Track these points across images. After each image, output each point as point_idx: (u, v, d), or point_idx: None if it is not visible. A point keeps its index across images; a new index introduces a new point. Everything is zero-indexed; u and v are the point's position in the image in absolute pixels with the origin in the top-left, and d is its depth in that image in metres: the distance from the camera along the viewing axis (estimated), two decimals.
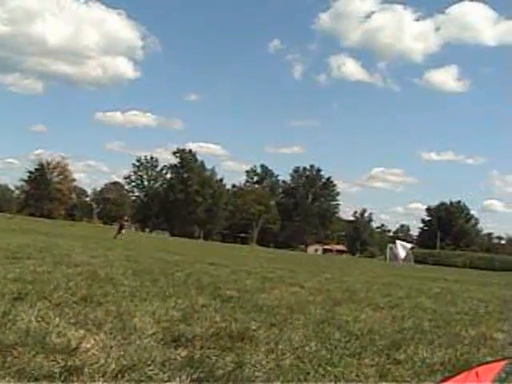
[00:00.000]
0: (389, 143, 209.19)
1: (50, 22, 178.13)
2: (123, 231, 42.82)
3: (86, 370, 4.16)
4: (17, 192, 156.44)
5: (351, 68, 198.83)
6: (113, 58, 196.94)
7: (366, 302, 10.33)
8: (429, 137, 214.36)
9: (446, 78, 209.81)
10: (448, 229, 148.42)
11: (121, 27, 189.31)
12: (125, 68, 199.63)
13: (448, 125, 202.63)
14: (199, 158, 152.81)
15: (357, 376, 4.77)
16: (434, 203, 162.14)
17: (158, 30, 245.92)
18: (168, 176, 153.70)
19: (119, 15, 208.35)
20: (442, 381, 3.59)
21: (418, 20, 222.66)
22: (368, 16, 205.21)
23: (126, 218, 47.03)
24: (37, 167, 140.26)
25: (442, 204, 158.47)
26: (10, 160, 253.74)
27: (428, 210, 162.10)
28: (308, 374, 4.68)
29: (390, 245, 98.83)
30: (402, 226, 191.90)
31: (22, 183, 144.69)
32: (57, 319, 5.63)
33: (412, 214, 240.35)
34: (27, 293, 7.03)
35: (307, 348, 5.54)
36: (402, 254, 36.11)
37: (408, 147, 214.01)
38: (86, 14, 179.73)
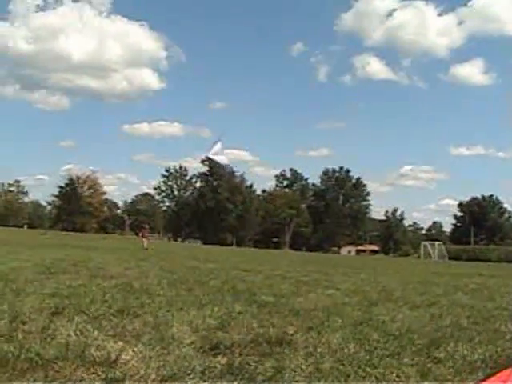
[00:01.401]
0: (417, 141, 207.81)
1: (73, 37, 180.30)
2: (145, 240, 43.00)
3: (127, 381, 4.19)
4: (48, 208, 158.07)
5: (376, 67, 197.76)
6: (137, 69, 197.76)
7: (402, 301, 10.27)
8: (457, 132, 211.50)
9: (471, 71, 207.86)
10: (481, 224, 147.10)
11: (144, 39, 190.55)
12: (150, 79, 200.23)
13: (476, 119, 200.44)
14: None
15: (397, 376, 4.74)
16: (466, 198, 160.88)
17: (181, 39, 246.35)
18: (198, 184, 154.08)
19: (141, 27, 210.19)
20: (484, 379, 3.53)
21: (440, 15, 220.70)
22: (390, 14, 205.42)
23: (146, 227, 47.12)
24: (67, 182, 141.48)
25: (474, 199, 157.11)
26: (41, 176, 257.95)
27: (460, 205, 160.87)
28: (348, 376, 4.66)
29: (424, 243, 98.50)
30: (435, 223, 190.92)
31: (54, 199, 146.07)
32: (95, 332, 5.67)
33: (444, 210, 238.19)
34: (64, 307, 7.08)
35: (346, 350, 5.52)
36: None
37: (437, 143, 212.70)
38: (109, 27, 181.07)
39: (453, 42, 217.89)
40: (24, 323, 5.93)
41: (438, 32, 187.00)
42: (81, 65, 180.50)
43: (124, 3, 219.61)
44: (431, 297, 11.63)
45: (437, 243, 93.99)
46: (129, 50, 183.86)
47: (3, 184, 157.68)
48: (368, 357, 5.29)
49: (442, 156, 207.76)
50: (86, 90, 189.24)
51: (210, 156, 33.91)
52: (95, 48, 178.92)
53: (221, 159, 34.59)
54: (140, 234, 49.21)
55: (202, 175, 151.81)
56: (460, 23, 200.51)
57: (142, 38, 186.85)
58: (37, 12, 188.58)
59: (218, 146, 34.04)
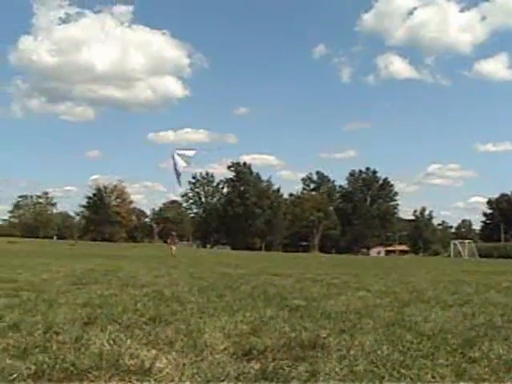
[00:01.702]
0: (443, 139, 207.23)
1: (96, 48, 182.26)
2: (173, 247, 43.21)
3: None
4: (77, 218, 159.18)
5: (399, 66, 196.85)
6: (161, 78, 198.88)
7: (434, 301, 10.19)
8: (484, 128, 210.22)
9: (496, 66, 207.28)
10: (511, 220, 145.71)
11: (166, 47, 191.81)
12: (174, 87, 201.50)
13: (502, 114, 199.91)
14: (254, 169, 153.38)
15: (432, 377, 4.70)
16: (495, 195, 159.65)
17: (203, 46, 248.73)
18: (225, 190, 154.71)
19: (163, 35, 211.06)
20: None
21: (462, 11, 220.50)
22: (411, 12, 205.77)
23: (174, 234, 47.43)
24: (95, 192, 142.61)
25: (504, 195, 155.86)
26: (69, 187, 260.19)
27: (489, 202, 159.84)
28: (383, 378, 4.64)
29: (454, 241, 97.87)
30: (464, 221, 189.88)
31: (82, 209, 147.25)
32: (128, 341, 5.69)
33: (473, 208, 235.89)
34: (97, 317, 7.11)
35: (379, 352, 5.49)
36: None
37: (463, 141, 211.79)
38: (131, 37, 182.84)
39: (476, 38, 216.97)
40: (58, 334, 5.97)
41: (461, 28, 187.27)
42: (105, 75, 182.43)
43: (145, 13, 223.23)
44: (463, 296, 11.53)
45: (467, 241, 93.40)
46: (152, 59, 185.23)
47: (32, 196, 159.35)
48: (402, 358, 5.26)
49: (469, 153, 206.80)
50: (110, 100, 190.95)
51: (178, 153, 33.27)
52: (118, 58, 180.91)
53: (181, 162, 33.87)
54: (168, 242, 49.51)
55: (228, 181, 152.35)
56: (483, 19, 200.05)
57: (164, 47, 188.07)
58: (59, 25, 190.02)
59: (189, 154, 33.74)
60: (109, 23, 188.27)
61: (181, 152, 33.41)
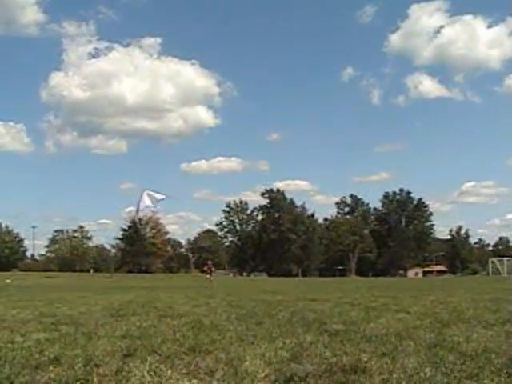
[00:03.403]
0: (476, 156, 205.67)
1: (126, 81, 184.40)
2: (209, 276, 43.38)
3: None
4: (113, 251, 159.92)
5: (428, 85, 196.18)
6: (191, 108, 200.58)
7: (475, 321, 10.05)
8: None
9: None
10: None
11: (196, 77, 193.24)
12: (204, 116, 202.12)
13: None
14: (288, 195, 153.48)
15: None
16: None
17: (232, 74, 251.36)
18: (259, 218, 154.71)
19: (192, 65, 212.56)
20: None
21: (490, 26, 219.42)
22: (438, 31, 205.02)
23: (210, 263, 47.66)
24: (130, 224, 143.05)
25: None
26: (104, 220, 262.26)
27: None
28: None
29: (492, 259, 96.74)
30: (501, 238, 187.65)
31: (117, 242, 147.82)
32: (169, 371, 5.67)
33: (510, 224, 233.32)
34: (136, 348, 7.11)
35: (422, 374, 5.41)
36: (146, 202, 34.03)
37: (497, 157, 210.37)
38: (160, 68, 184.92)
39: (505, 53, 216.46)
40: (98, 366, 5.97)
41: (489, 44, 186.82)
42: (136, 107, 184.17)
43: (173, 44, 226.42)
44: (505, 314, 11.36)
45: (505, 259, 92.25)
46: (182, 89, 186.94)
47: (67, 230, 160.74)
48: (445, 380, 5.18)
49: (503, 169, 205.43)
50: (142, 132, 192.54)
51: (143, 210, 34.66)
52: (148, 90, 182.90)
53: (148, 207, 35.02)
54: (205, 270, 49.65)
55: (262, 208, 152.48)
56: (511, 33, 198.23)
57: (193, 76, 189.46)
58: (89, 59, 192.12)
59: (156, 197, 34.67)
60: (138, 56, 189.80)
61: (151, 193, 34.84)
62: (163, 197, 35.76)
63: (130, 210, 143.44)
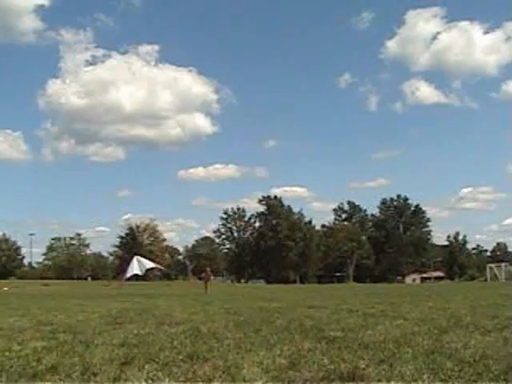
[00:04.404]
0: (473, 162, 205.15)
1: (123, 88, 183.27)
2: (207, 283, 43.47)
3: None
4: (110, 258, 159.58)
5: (425, 91, 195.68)
6: (189, 115, 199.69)
7: (473, 327, 10.06)
8: None
9: None
10: None
11: (193, 84, 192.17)
12: (202, 123, 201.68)
13: None
14: (285, 202, 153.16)
15: None
16: None
17: (229, 81, 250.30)
18: (257, 224, 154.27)
19: (190, 72, 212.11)
20: None
21: (486, 32, 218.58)
22: (434, 37, 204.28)
23: (208, 269, 47.72)
24: (127, 232, 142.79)
25: None
26: (101, 228, 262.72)
27: None
28: None
29: (490, 265, 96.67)
30: (499, 244, 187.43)
31: (115, 249, 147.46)
32: (166, 379, 5.66)
33: (507, 230, 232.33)
34: (134, 356, 7.10)
35: (420, 381, 5.41)
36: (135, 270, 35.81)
37: (494, 163, 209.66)
38: (158, 76, 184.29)
39: (502, 59, 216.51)
40: (95, 375, 5.96)
41: (486, 50, 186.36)
42: (133, 115, 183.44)
43: (171, 51, 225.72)
44: (502, 320, 11.37)
45: (503, 264, 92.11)
46: (179, 97, 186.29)
47: (65, 238, 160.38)
48: None
49: (501, 175, 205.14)
50: (139, 139, 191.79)
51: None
52: (146, 97, 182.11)
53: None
54: (203, 277, 49.65)
55: (260, 215, 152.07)
56: (508, 39, 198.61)
57: (191, 84, 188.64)
58: (86, 67, 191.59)
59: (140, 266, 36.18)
60: (135, 63, 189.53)
61: (141, 259, 36.41)
62: (152, 265, 37.82)
63: (127, 217, 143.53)
